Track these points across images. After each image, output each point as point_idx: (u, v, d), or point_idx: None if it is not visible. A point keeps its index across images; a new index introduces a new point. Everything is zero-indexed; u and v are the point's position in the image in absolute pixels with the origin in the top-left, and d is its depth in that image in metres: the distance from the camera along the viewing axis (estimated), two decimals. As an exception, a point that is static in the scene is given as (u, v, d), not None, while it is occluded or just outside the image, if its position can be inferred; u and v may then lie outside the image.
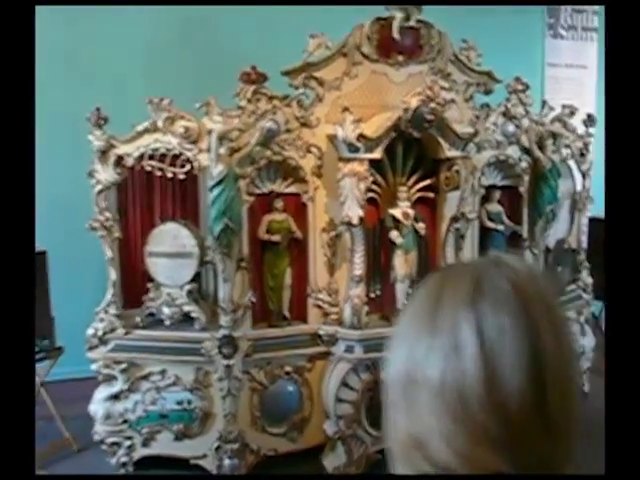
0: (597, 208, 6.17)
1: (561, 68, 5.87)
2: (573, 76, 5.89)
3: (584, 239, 4.77)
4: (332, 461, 3.72)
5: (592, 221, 5.20)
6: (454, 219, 3.84)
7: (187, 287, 3.69)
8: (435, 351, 0.63)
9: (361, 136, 3.44)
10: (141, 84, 4.64)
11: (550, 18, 5.79)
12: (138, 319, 3.66)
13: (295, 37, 3.66)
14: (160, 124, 3.51)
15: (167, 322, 3.68)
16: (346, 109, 3.47)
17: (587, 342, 4.71)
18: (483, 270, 0.67)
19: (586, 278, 4.70)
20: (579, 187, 4.64)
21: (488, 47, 5.42)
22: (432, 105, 3.50)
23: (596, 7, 5.90)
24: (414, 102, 3.49)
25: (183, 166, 3.57)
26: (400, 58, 3.76)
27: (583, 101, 5.90)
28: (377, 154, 3.56)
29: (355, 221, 3.53)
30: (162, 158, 3.57)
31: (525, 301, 0.64)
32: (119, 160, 3.56)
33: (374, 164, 3.68)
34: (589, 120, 4.53)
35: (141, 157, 3.55)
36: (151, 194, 3.85)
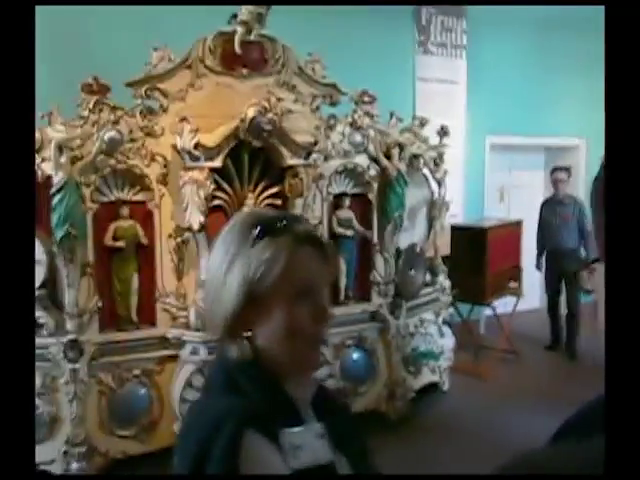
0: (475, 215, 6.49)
1: (432, 83, 6.16)
2: (444, 91, 6.18)
3: (441, 244, 5.02)
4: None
5: (454, 229, 5.48)
6: (301, 225, 4.00)
7: (35, 294, 3.74)
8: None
9: (199, 145, 3.58)
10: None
11: (420, 36, 6.08)
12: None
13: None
14: (3, 133, 3.57)
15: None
16: (184, 119, 3.61)
17: (446, 342, 4.94)
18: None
19: (444, 281, 4.94)
20: (435, 195, 4.89)
21: (361, 62, 5.70)
22: (269, 115, 3.68)
23: (464, 26, 6.24)
24: (250, 112, 3.67)
25: (27, 174, 3.64)
26: (244, 71, 3.93)
27: (455, 114, 6.21)
28: (217, 162, 3.71)
29: (196, 227, 3.67)
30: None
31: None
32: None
33: (221, 172, 3.83)
34: (442, 131, 4.79)
35: (-15, 166, 3.60)
36: (1, 202, 3.90)
